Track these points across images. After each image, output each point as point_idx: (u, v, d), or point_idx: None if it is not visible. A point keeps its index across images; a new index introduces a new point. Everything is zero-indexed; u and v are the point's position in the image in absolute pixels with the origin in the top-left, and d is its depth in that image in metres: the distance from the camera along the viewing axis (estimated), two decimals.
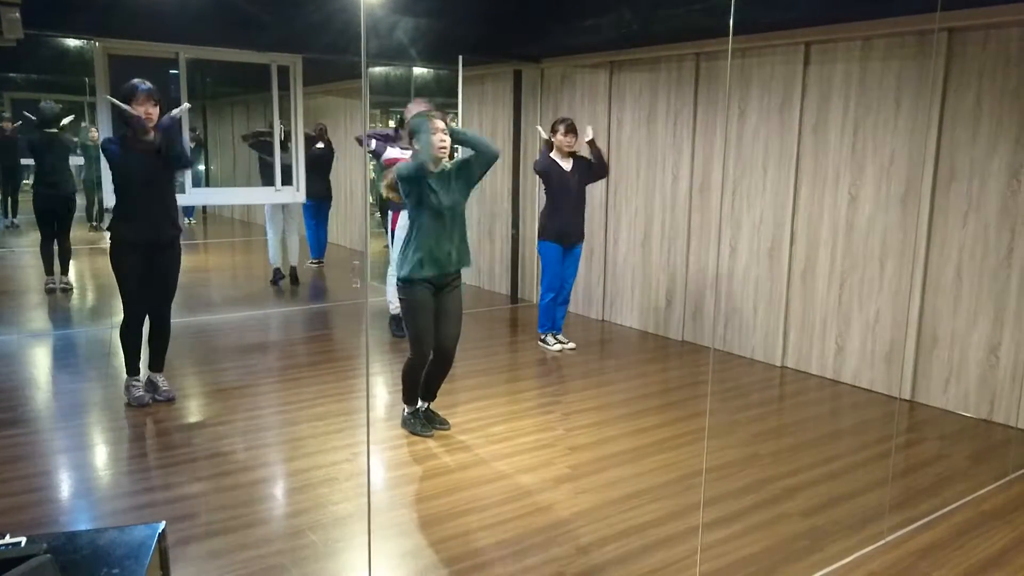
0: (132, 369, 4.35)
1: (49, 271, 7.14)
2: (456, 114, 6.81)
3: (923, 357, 4.61)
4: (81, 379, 4.83)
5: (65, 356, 5.40)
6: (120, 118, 4.08)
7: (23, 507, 3.13)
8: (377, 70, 8.39)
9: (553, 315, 5.67)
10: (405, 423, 4.05)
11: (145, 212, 4.09)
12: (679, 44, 5.61)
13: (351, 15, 5.33)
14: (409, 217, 3.77)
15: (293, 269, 7.98)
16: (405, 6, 5.72)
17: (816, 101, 4.97)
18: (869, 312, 4.83)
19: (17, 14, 4.18)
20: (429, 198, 3.66)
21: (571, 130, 5.38)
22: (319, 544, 2.90)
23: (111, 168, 4.09)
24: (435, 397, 4.12)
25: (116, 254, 4.13)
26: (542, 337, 5.71)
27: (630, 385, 4.95)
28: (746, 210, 5.45)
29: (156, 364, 4.45)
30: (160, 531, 1.68)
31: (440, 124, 3.67)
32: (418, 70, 8.15)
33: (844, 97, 4.82)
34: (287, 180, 6.70)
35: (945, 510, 3.27)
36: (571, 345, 5.70)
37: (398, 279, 3.84)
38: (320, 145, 8.36)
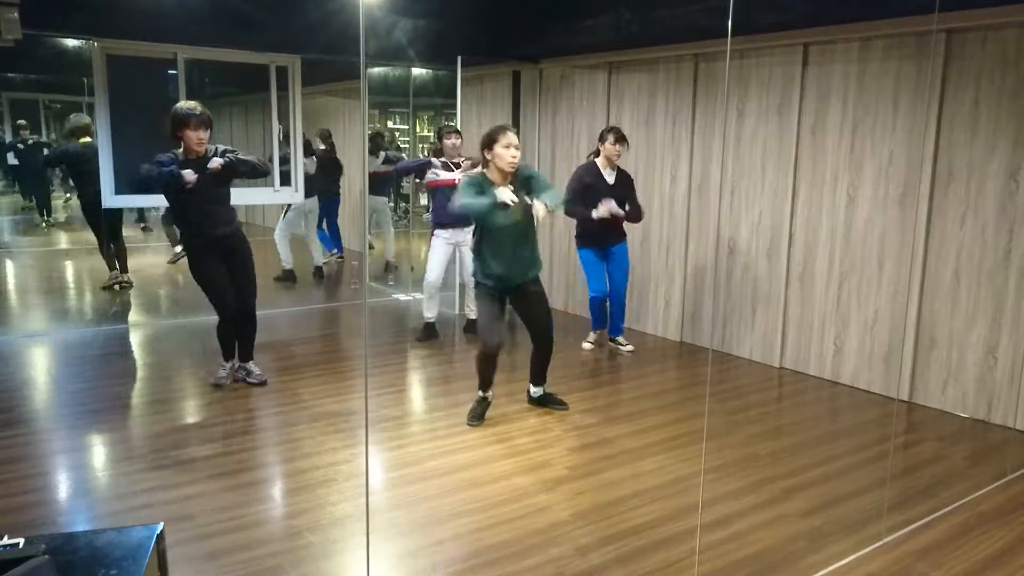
0: (227, 355, 4.66)
1: (112, 267, 7.31)
2: (455, 114, 6.82)
3: (921, 358, 4.61)
4: (81, 379, 4.82)
5: (67, 356, 5.39)
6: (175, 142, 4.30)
7: (21, 508, 3.13)
8: (376, 71, 8.39)
9: (599, 315, 5.61)
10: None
11: (207, 218, 4.35)
12: (678, 45, 5.61)
13: (350, 15, 5.33)
14: (477, 224, 4.03)
15: (319, 268, 8.41)
16: (404, 7, 5.72)
17: (815, 102, 4.97)
18: (867, 313, 4.83)
19: (16, 14, 4.17)
20: (496, 210, 3.83)
21: (621, 139, 5.25)
22: (317, 545, 2.90)
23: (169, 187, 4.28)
24: (544, 380, 4.43)
25: (194, 264, 4.45)
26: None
27: (628, 386, 4.95)
28: (745, 211, 5.45)
29: (247, 355, 4.73)
30: (158, 532, 1.68)
31: (514, 139, 3.89)
32: (417, 71, 8.15)
33: (843, 98, 4.83)
34: (286, 181, 6.70)
35: (943, 511, 3.27)
36: (629, 348, 5.66)
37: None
38: (323, 147, 8.57)
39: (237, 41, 5.85)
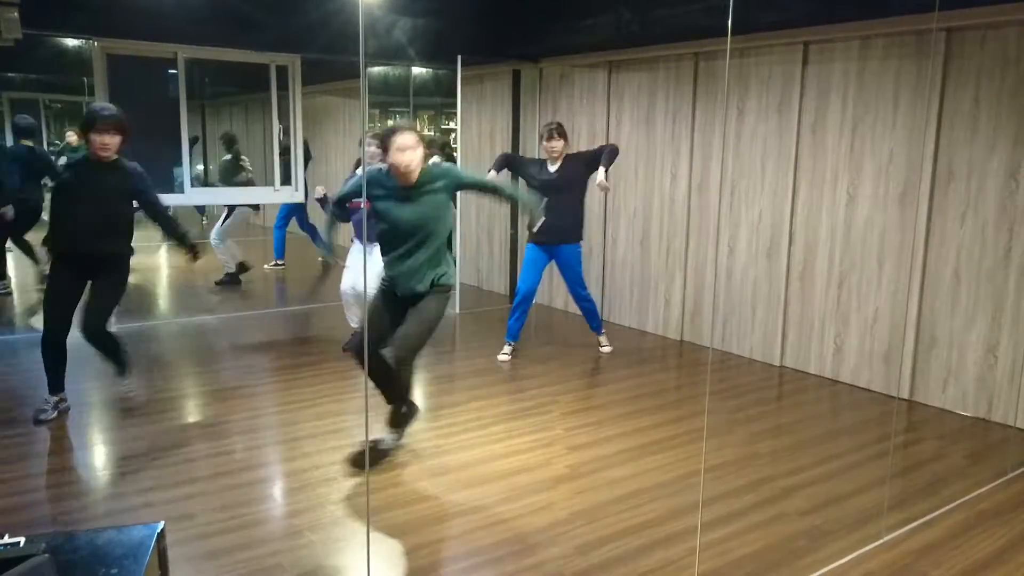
0: (50, 385, 4.10)
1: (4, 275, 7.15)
2: (455, 114, 6.82)
3: (921, 357, 4.62)
4: (81, 379, 4.82)
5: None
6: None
7: (21, 507, 3.13)
8: (376, 70, 8.40)
9: (514, 318, 5.36)
10: None
11: (80, 230, 3.86)
12: (678, 44, 5.61)
13: (350, 15, 5.34)
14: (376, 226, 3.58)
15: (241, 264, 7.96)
16: (404, 6, 5.73)
17: (815, 101, 4.97)
18: (867, 312, 4.83)
19: (16, 14, 4.18)
20: (389, 211, 3.46)
21: (551, 136, 5.06)
22: (318, 544, 2.90)
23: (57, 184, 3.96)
24: (393, 399, 3.72)
25: (50, 274, 4.04)
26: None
27: (628, 385, 4.95)
28: (745, 210, 5.45)
29: (120, 370, 4.31)
30: (159, 531, 1.68)
31: (410, 140, 3.34)
32: (417, 70, 8.16)
33: (842, 97, 4.83)
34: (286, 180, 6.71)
35: (943, 509, 3.27)
36: (607, 348, 5.58)
37: None
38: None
39: (237, 41, 5.85)
